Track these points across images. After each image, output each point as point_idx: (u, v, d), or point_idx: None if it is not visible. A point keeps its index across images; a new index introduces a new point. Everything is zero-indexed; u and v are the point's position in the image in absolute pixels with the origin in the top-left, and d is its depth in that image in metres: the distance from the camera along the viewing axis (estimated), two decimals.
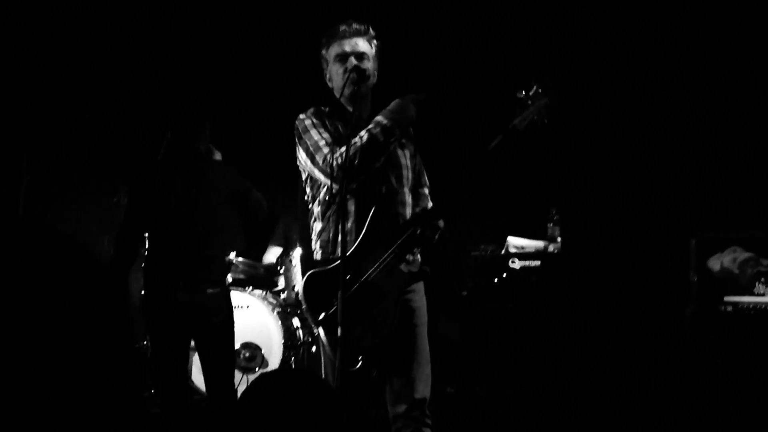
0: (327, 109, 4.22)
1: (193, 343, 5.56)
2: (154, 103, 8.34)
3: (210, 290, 5.43)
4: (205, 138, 5.70)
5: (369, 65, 4.18)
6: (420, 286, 4.18)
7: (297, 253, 7.35)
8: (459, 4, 7.86)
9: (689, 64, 7.54)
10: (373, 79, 4.25)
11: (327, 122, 4.16)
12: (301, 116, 4.22)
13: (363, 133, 3.98)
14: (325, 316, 3.84)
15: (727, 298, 6.45)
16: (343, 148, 3.91)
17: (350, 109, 4.20)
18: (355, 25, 4.23)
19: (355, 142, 3.96)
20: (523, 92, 3.81)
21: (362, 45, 4.20)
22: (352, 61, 4.15)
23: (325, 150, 4.03)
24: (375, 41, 4.27)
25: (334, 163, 3.89)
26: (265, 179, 8.37)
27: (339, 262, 3.76)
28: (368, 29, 4.27)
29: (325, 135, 4.10)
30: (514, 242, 6.82)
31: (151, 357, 5.49)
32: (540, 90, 3.72)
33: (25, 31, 8.18)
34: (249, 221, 5.83)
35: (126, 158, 8.08)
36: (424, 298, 4.22)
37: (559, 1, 7.77)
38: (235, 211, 5.63)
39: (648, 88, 7.69)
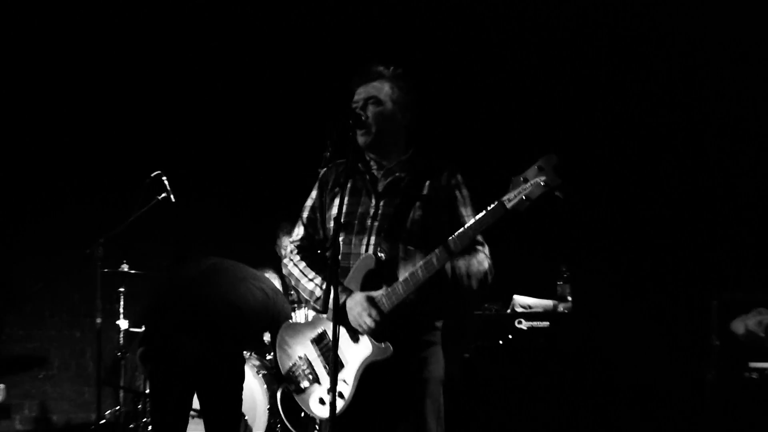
0: (345, 161, 4.16)
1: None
2: (118, 159, 8.56)
3: None
4: None
5: (374, 110, 4.11)
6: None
7: None
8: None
9: (703, 120, 7.52)
10: (382, 125, 4.13)
11: (330, 182, 4.20)
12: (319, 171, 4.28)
13: (291, 266, 4.22)
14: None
15: (752, 364, 6.29)
16: (290, 247, 4.28)
17: (368, 158, 4.20)
18: (374, 68, 4.20)
19: (286, 265, 4.25)
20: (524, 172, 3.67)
21: (374, 89, 4.16)
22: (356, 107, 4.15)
23: (295, 230, 4.32)
24: (398, 82, 4.20)
25: (284, 251, 3.82)
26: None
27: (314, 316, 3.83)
28: (390, 70, 4.21)
29: (306, 209, 4.28)
30: (521, 301, 6.73)
31: None
32: (539, 168, 3.58)
33: None
34: None
35: (96, 209, 8.13)
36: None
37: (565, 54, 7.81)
38: None
39: (668, 140, 7.67)
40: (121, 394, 7.61)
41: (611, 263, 7.68)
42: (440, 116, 7.44)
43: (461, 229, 3.74)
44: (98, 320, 7.01)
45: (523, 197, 3.58)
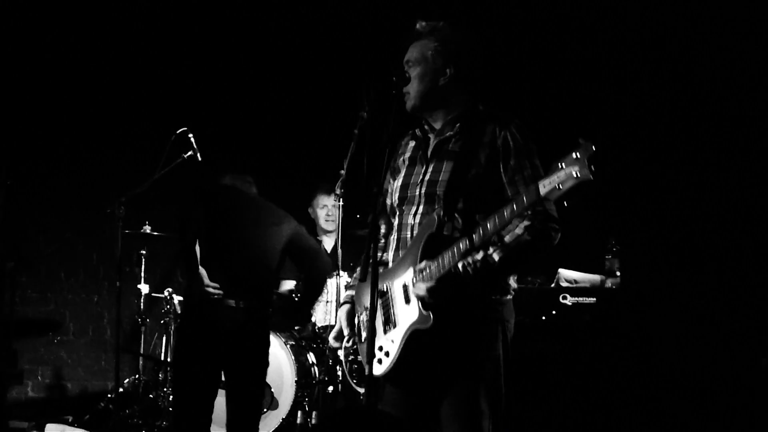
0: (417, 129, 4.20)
1: None
2: (143, 113, 8.48)
3: None
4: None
5: (413, 72, 4.05)
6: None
7: None
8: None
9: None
10: (421, 86, 4.05)
11: (396, 152, 4.24)
12: None
13: None
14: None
15: None
16: None
17: (422, 121, 4.18)
18: (415, 28, 4.14)
19: None
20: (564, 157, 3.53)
21: (413, 50, 4.10)
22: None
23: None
24: (437, 35, 4.09)
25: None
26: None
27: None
28: (426, 25, 4.12)
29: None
30: (567, 275, 6.60)
31: None
32: (576, 158, 3.41)
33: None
34: None
35: (118, 167, 8.04)
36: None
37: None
38: None
39: (736, 118, 7.47)
40: (141, 361, 7.50)
41: (663, 237, 7.50)
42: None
43: (492, 217, 3.64)
44: (118, 283, 6.93)
45: (556, 186, 3.43)
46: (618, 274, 6.57)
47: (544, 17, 8.02)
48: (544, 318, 6.37)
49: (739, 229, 7.32)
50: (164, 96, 8.42)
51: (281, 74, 8.58)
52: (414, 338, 3.82)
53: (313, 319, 7.07)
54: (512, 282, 3.97)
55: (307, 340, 7.22)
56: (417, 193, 3.99)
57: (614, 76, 7.82)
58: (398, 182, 4.12)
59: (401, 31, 4.22)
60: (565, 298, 6.40)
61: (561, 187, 3.42)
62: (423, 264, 3.81)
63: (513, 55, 7.96)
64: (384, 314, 3.99)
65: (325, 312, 6.95)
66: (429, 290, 3.73)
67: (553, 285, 6.56)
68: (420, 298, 3.77)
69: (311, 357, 7.15)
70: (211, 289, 5.77)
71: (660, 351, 6.64)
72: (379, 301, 4.02)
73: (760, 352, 6.49)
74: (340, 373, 6.92)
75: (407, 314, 3.85)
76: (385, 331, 3.94)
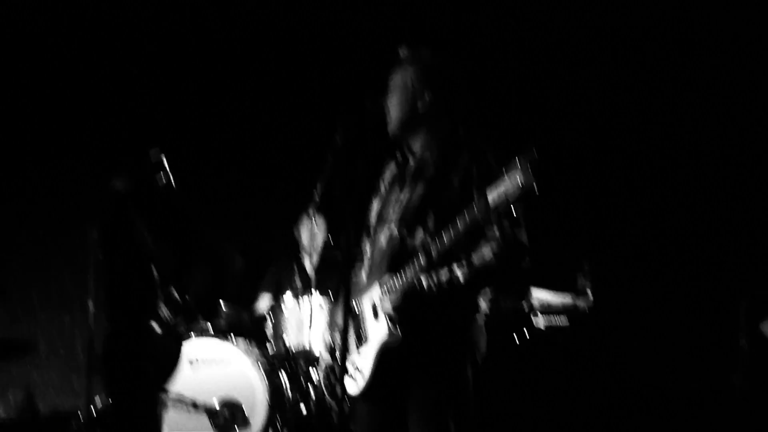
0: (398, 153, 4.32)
1: None
2: (117, 132, 8.38)
3: None
4: None
5: (390, 99, 4.18)
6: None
7: (288, 299, 7.11)
8: None
9: (738, 111, 7.52)
10: (398, 112, 4.17)
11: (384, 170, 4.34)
12: None
13: None
14: None
15: None
16: None
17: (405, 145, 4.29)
18: (399, 54, 4.25)
19: None
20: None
21: (392, 79, 4.21)
22: None
23: None
24: (415, 63, 4.19)
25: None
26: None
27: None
28: (406, 52, 4.24)
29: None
30: (538, 295, 6.68)
31: None
32: (519, 165, 3.54)
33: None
34: None
35: (90, 186, 8.04)
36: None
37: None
38: None
39: (699, 128, 7.65)
40: None
41: (634, 256, 7.61)
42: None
43: (443, 234, 3.75)
44: (90, 304, 6.92)
45: (503, 194, 3.55)
46: (589, 294, 6.64)
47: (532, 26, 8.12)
48: (515, 337, 6.46)
49: (710, 248, 7.41)
50: (138, 116, 8.41)
51: (260, 96, 8.61)
52: (385, 355, 3.90)
53: (284, 340, 7.09)
54: (482, 303, 4.03)
55: (280, 360, 7.23)
56: (390, 215, 4.09)
57: (585, 93, 7.91)
58: (376, 205, 4.22)
59: (380, 54, 4.31)
60: (537, 318, 6.49)
61: (507, 195, 3.53)
62: (386, 278, 3.91)
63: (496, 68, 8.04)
64: (356, 332, 4.06)
65: (298, 333, 6.97)
66: (394, 306, 3.84)
67: (525, 306, 6.61)
68: (386, 314, 3.87)
69: (284, 378, 7.12)
70: None
71: (632, 370, 6.69)
72: (351, 320, 4.10)
73: (732, 370, 6.53)
74: (312, 393, 6.96)
75: (377, 330, 3.93)
76: (358, 348, 4.02)
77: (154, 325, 5.69)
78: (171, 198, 5.96)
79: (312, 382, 6.98)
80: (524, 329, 6.50)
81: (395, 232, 4.03)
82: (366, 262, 4.19)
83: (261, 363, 7.03)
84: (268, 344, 7.30)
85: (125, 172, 6.04)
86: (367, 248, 4.22)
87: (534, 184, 3.46)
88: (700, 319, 7.22)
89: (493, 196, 3.57)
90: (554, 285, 6.73)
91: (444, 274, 3.83)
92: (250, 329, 7.61)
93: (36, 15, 8.26)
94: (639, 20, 7.66)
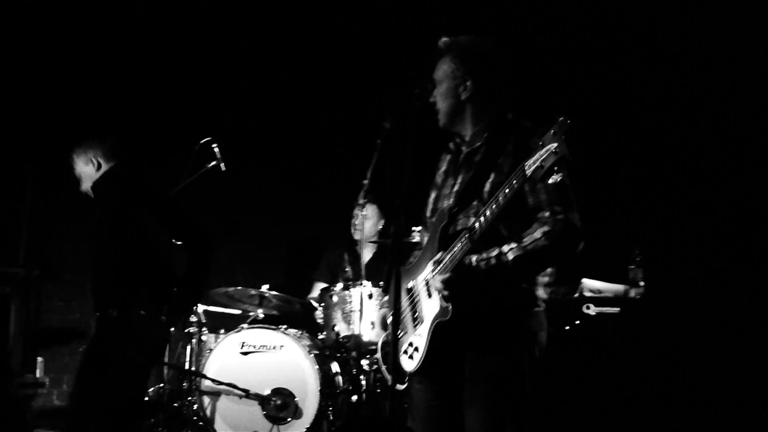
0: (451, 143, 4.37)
1: None
2: (167, 123, 8.53)
3: None
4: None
5: (437, 91, 4.23)
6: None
7: (338, 289, 7.13)
8: None
9: None
10: (444, 104, 4.23)
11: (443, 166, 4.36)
12: None
13: None
14: None
15: None
16: None
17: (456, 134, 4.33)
18: (439, 45, 4.29)
19: None
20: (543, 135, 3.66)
21: (436, 69, 4.26)
22: None
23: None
24: (453, 52, 4.23)
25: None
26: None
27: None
28: (443, 42, 4.27)
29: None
30: (590, 285, 6.62)
31: None
32: (554, 133, 3.54)
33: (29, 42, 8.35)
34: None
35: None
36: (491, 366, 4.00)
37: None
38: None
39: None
40: (166, 370, 7.56)
41: (688, 246, 7.50)
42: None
43: (489, 203, 3.78)
44: None
45: (539, 164, 3.56)
46: (642, 283, 6.55)
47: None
48: (567, 328, 6.41)
49: (764, 238, 7.32)
50: (189, 106, 8.46)
51: (309, 84, 8.62)
52: (438, 331, 3.94)
53: (336, 329, 7.11)
54: (541, 292, 4.07)
55: (331, 349, 7.26)
56: (443, 204, 4.15)
57: (642, 85, 7.86)
58: (432, 196, 4.28)
59: (427, 42, 4.33)
60: (588, 308, 6.42)
61: (544, 164, 3.54)
62: (438, 255, 3.96)
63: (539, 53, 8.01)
64: (412, 311, 4.13)
65: (349, 321, 6.99)
66: (444, 282, 3.86)
67: (576, 295, 6.55)
68: (438, 290, 3.90)
69: (335, 366, 7.19)
70: None
71: (684, 362, 6.59)
72: (407, 300, 4.17)
73: None
74: (363, 382, 6.98)
75: (431, 308, 3.99)
76: (415, 327, 4.07)
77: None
78: None
79: (363, 371, 7.00)
80: (576, 318, 6.43)
81: (444, 209, 4.08)
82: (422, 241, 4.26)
83: (313, 352, 7.07)
84: (319, 333, 7.34)
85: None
86: (425, 240, 4.25)
87: (568, 151, 3.47)
88: (758, 308, 7.09)
89: (530, 167, 3.58)
90: (606, 275, 6.66)
91: (493, 252, 3.85)
92: (301, 318, 7.66)
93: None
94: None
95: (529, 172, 3.59)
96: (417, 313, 4.08)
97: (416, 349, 4.03)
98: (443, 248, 3.97)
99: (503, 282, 3.91)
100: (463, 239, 3.83)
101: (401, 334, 4.14)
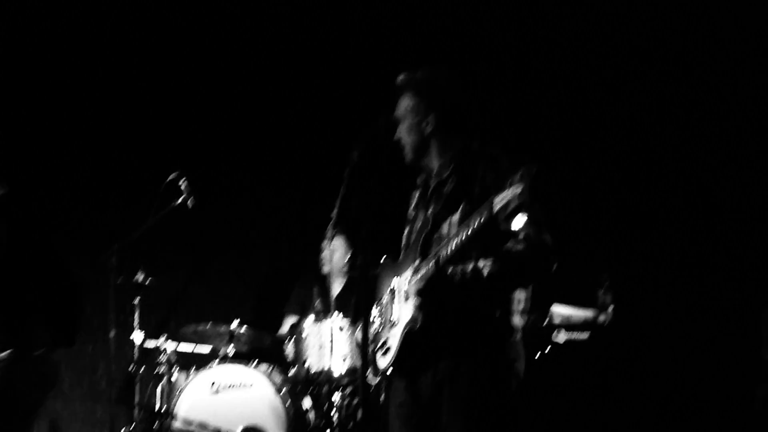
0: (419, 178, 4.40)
1: None
2: (133, 160, 8.45)
3: None
4: None
5: (401, 128, 4.25)
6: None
7: (309, 322, 7.13)
8: None
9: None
10: (408, 140, 4.26)
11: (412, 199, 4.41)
12: None
13: None
14: None
15: None
16: None
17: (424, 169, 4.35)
18: (397, 83, 4.31)
19: None
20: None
21: (398, 109, 4.28)
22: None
23: None
24: (411, 88, 4.26)
25: None
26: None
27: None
28: (402, 79, 4.30)
29: None
30: (559, 311, 6.67)
31: None
32: (521, 177, 3.60)
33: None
34: None
35: (109, 215, 8.20)
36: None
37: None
38: None
39: (721, 140, 7.63)
40: (136, 412, 7.51)
41: (655, 271, 7.57)
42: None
43: (448, 241, 3.86)
44: (111, 333, 6.96)
45: (505, 203, 3.62)
46: (610, 309, 6.60)
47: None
48: (538, 355, 6.43)
49: (731, 260, 7.38)
50: (156, 141, 8.43)
51: (275, 117, 8.61)
52: (409, 338, 3.97)
53: (307, 364, 7.09)
54: (517, 320, 4.07)
55: (302, 384, 7.23)
56: (412, 239, 4.19)
57: (606, 102, 7.94)
58: (405, 232, 4.30)
59: (396, 69, 4.35)
60: (558, 334, 6.46)
61: (509, 205, 3.60)
62: (417, 263, 4.00)
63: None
64: (389, 311, 4.15)
65: (320, 356, 6.98)
66: (418, 290, 3.91)
67: (545, 322, 6.59)
68: (411, 297, 3.95)
69: (306, 402, 7.15)
70: None
71: (653, 384, 6.65)
72: (388, 294, 4.20)
73: (756, 384, 6.49)
74: (335, 418, 6.96)
75: (405, 313, 4.01)
76: (391, 327, 4.09)
77: None
78: None
79: (334, 406, 6.99)
80: (546, 345, 6.46)
81: (427, 217, 4.12)
82: (402, 254, 4.25)
83: (284, 388, 7.05)
84: (290, 368, 7.33)
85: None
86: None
87: (529, 199, 3.53)
88: (722, 331, 7.18)
89: (497, 203, 3.63)
90: (574, 300, 6.70)
91: (470, 265, 3.87)
92: (272, 353, 7.65)
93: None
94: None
95: (495, 209, 3.63)
96: (393, 314, 4.10)
97: (389, 348, 4.06)
98: (423, 255, 4.01)
99: (477, 295, 3.92)
100: (439, 255, 3.87)
101: (379, 329, 4.19)
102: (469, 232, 3.75)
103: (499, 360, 3.98)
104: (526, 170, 3.56)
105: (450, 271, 3.88)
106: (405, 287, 4.05)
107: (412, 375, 4.06)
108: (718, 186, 7.56)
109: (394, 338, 4.03)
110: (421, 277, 3.94)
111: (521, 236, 3.88)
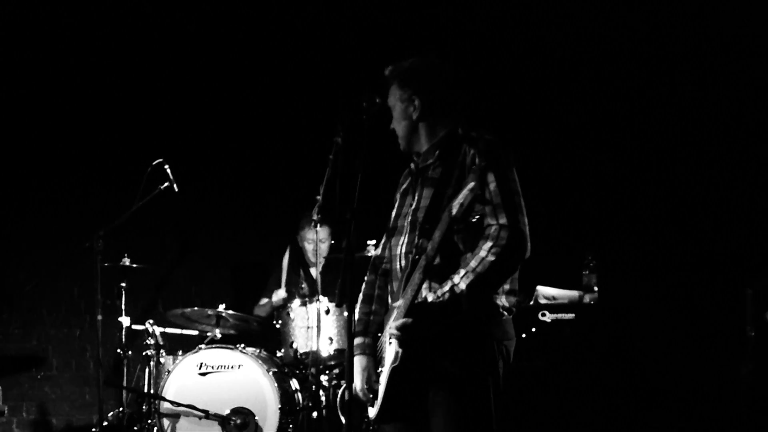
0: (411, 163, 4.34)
1: None
2: (118, 145, 8.45)
3: None
4: None
5: (393, 116, 4.23)
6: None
7: (295, 305, 7.14)
8: None
9: (738, 104, 7.52)
10: (400, 127, 4.23)
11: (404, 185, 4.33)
12: None
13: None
14: None
15: None
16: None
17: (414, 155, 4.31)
18: (385, 75, 4.27)
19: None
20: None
21: (388, 100, 4.24)
22: None
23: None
24: (399, 77, 4.22)
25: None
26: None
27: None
28: (390, 70, 4.25)
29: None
30: (545, 292, 6.67)
31: None
32: (474, 171, 3.71)
33: None
34: None
35: (95, 200, 8.11)
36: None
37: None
38: None
39: (700, 123, 7.66)
40: (124, 394, 7.53)
41: (639, 251, 7.62)
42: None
43: (430, 241, 3.81)
44: (99, 317, 6.98)
45: (462, 203, 3.67)
46: (596, 289, 6.61)
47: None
48: (524, 336, 6.40)
49: (716, 240, 7.40)
50: (140, 127, 8.43)
51: (258, 102, 8.61)
52: (395, 376, 3.88)
53: (294, 346, 7.10)
54: (503, 301, 3.93)
55: (290, 366, 7.26)
56: (403, 223, 4.10)
57: (586, 92, 7.94)
58: (392, 215, 4.23)
59: (378, 58, 4.34)
60: (544, 315, 6.45)
61: (463, 203, 3.64)
62: (397, 302, 3.92)
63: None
64: (379, 356, 4.08)
65: (307, 338, 6.99)
66: (398, 327, 3.81)
67: (531, 302, 6.60)
68: (394, 336, 3.85)
69: (294, 383, 7.18)
70: None
71: (639, 363, 6.65)
72: (378, 347, 4.13)
73: (741, 361, 6.51)
74: (323, 398, 6.99)
75: (390, 354, 3.91)
76: (378, 376, 4.02)
77: None
78: None
79: (322, 387, 7.02)
80: (532, 327, 6.45)
81: (416, 204, 4.07)
82: (390, 275, 4.19)
83: (271, 370, 7.07)
84: (278, 351, 7.34)
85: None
86: (387, 253, 4.22)
87: (480, 191, 3.68)
88: (707, 309, 7.23)
89: (455, 207, 3.66)
90: (560, 281, 6.72)
91: (446, 286, 3.80)
92: (259, 336, 7.67)
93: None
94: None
95: (455, 212, 3.66)
96: (382, 361, 4.03)
97: (376, 397, 4.00)
98: (412, 234, 3.99)
99: (460, 317, 3.82)
100: (413, 284, 3.82)
101: (374, 378, 4.11)
102: (435, 241, 3.74)
103: (485, 343, 3.88)
104: (478, 165, 3.65)
105: (431, 298, 3.82)
106: (388, 329, 3.97)
107: (402, 413, 4.01)
108: (702, 166, 7.59)
109: (381, 385, 3.97)
110: (401, 313, 3.85)
111: (492, 224, 3.83)
